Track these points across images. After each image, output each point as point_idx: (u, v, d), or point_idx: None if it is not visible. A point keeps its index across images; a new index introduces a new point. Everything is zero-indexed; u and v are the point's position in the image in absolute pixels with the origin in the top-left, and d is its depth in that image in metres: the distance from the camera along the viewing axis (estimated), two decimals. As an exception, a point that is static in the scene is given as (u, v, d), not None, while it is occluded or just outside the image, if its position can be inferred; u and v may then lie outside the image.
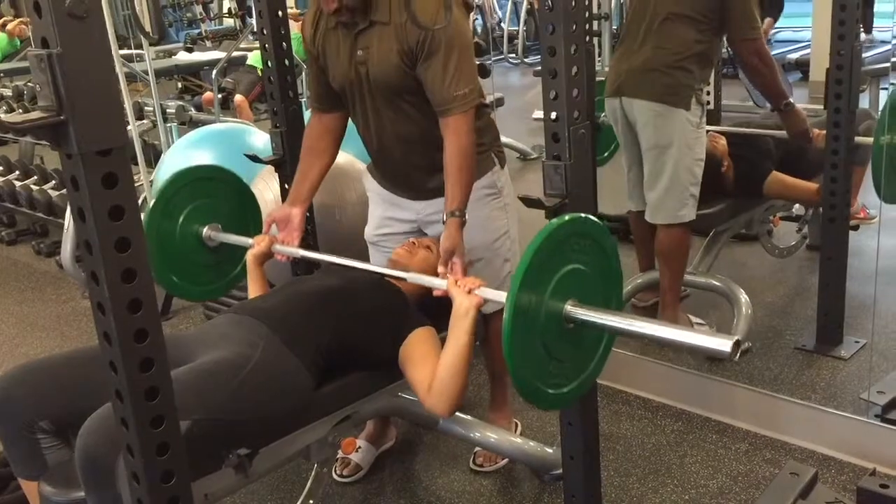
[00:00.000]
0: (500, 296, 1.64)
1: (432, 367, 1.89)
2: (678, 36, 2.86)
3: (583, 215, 1.63)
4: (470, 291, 1.79)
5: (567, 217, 1.59)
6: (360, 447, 2.55)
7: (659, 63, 2.88)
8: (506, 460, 2.54)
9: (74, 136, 1.17)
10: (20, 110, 5.12)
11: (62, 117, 1.16)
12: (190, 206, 2.32)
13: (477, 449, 2.55)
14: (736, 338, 1.39)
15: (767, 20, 8.47)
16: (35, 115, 1.16)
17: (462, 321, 1.80)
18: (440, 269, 2.01)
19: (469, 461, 2.56)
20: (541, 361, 1.54)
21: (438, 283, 1.90)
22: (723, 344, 1.40)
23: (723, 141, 3.23)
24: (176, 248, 2.31)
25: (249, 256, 2.30)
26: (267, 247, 2.28)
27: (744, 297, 3.15)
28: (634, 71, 2.95)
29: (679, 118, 2.88)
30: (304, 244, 2.55)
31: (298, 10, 7.68)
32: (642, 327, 1.59)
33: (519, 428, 2.68)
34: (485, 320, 2.50)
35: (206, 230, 2.34)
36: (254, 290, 2.31)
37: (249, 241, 2.31)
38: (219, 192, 2.40)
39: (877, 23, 5.49)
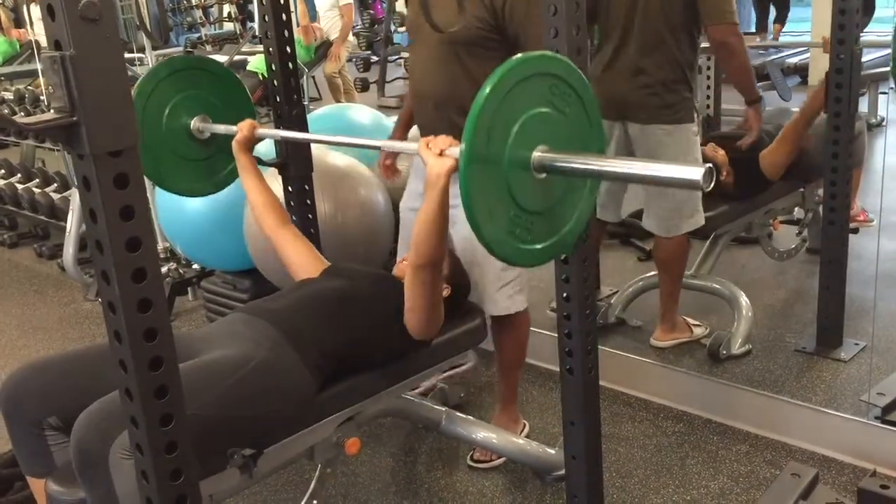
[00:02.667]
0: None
1: None
2: (671, 51, 2.83)
3: (553, 54, 1.53)
4: (441, 153, 1.63)
5: (530, 55, 1.47)
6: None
7: (661, 84, 2.84)
8: (503, 458, 2.55)
9: (87, 137, 1.18)
10: (22, 113, 5.13)
11: (75, 118, 1.17)
12: (176, 98, 2.25)
13: None
14: (708, 166, 1.30)
15: (776, 25, 8.54)
16: (48, 116, 1.17)
17: (433, 185, 1.66)
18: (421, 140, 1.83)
19: (502, 461, 2.57)
20: (507, 213, 1.44)
21: (409, 147, 1.81)
22: (694, 172, 1.30)
23: (722, 151, 3.24)
24: (163, 140, 2.24)
25: (234, 144, 2.26)
26: (250, 131, 2.23)
27: (744, 299, 3.17)
28: (637, 94, 2.88)
29: (687, 133, 2.89)
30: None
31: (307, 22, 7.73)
32: (619, 166, 1.51)
33: (527, 428, 2.69)
34: (495, 321, 2.53)
35: (194, 122, 2.29)
36: (246, 178, 2.28)
37: (236, 128, 2.25)
38: (206, 83, 2.33)
39: (876, 28, 5.52)
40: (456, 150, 1.60)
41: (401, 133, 2.80)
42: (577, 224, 1.59)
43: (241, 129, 2.24)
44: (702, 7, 2.78)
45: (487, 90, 1.37)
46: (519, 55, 1.44)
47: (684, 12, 2.79)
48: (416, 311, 1.98)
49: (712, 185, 1.31)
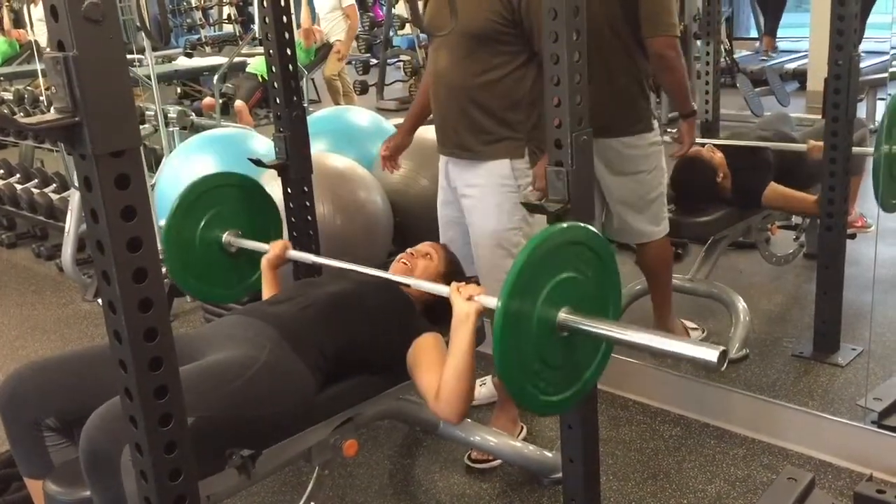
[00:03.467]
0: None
1: (438, 373, 1.89)
2: (624, 62, 2.79)
3: (580, 224, 1.64)
4: (470, 298, 1.80)
5: (563, 225, 1.60)
6: (485, 383, 2.84)
7: (622, 96, 2.80)
8: (500, 461, 2.55)
9: (89, 138, 1.19)
10: (21, 114, 5.14)
11: (77, 119, 1.18)
12: (211, 212, 2.38)
13: None
14: (722, 348, 1.42)
15: (766, 38, 8.59)
16: (51, 116, 1.18)
17: (462, 327, 1.80)
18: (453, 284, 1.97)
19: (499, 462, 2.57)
20: (533, 367, 1.55)
21: (440, 290, 1.92)
22: (709, 354, 1.42)
23: (719, 153, 3.25)
24: (196, 252, 2.37)
25: (264, 261, 2.36)
26: (281, 251, 2.34)
27: (742, 304, 3.18)
28: (600, 109, 2.83)
29: (645, 142, 2.86)
30: (308, 250, 2.59)
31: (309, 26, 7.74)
32: (635, 337, 1.58)
33: (524, 431, 2.70)
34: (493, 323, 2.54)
35: (225, 236, 2.40)
36: (267, 294, 2.35)
37: (266, 246, 2.36)
38: (239, 198, 2.46)
39: (874, 34, 5.53)
40: (484, 298, 1.79)
41: (404, 135, 2.81)
42: (591, 379, 1.69)
43: (274, 248, 2.35)
44: (643, 19, 2.71)
45: (524, 258, 1.50)
46: (552, 227, 1.57)
47: (630, 23, 2.74)
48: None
49: (725, 366, 1.42)
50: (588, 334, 1.57)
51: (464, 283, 1.89)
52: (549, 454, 2.45)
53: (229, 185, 2.45)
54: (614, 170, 2.87)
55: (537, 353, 1.55)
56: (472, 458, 2.58)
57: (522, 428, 2.71)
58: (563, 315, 1.55)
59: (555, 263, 1.55)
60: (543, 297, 1.53)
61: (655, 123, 2.92)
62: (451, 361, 1.84)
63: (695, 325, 3.26)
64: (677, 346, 1.52)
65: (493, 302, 1.77)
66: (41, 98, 5.26)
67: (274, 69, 2.51)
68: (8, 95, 5.58)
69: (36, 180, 5.00)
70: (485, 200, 2.43)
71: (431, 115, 2.65)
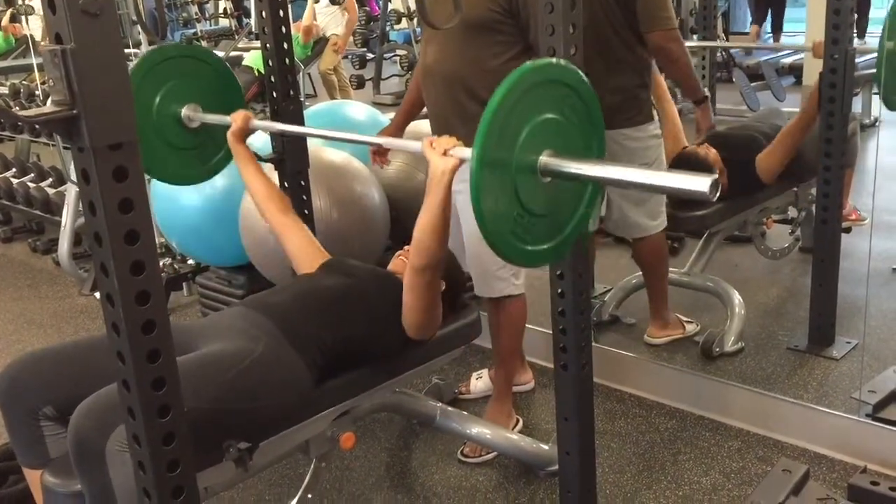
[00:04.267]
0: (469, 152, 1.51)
1: None
2: (623, 56, 2.80)
3: (558, 61, 1.57)
4: (445, 153, 1.68)
5: (541, 62, 1.51)
6: (481, 376, 2.82)
7: (617, 89, 2.80)
8: (493, 453, 2.57)
9: (87, 130, 1.19)
10: (17, 108, 5.13)
11: (75, 111, 1.18)
12: (167, 85, 2.25)
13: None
14: (714, 176, 1.33)
15: (753, 27, 8.62)
16: (48, 109, 1.18)
17: (437, 186, 1.72)
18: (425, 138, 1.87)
19: (492, 456, 2.59)
20: (513, 215, 1.48)
21: (413, 146, 1.84)
22: (700, 183, 1.34)
23: (714, 151, 3.25)
24: (154, 128, 2.25)
25: (229, 135, 2.27)
26: (244, 122, 2.25)
27: (737, 297, 3.19)
28: (606, 101, 2.82)
29: (645, 133, 2.87)
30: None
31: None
32: (622, 174, 1.53)
33: (520, 424, 2.71)
34: (493, 305, 2.55)
35: (184, 110, 2.29)
36: (243, 168, 2.30)
37: (228, 119, 2.26)
38: (197, 71, 2.33)
39: (875, 29, 5.54)
40: (459, 150, 1.66)
41: (395, 129, 2.82)
42: (575, 230, 1.62)
43: (235, 119, 2.25)
44: (639, 15, 2.73)
45: (500, 94, 1.40)
46: (530, 63, 1.47)
47: (628, 17, 2.75)
48: (415, 311, 1.99)
49: (718, 194, 1.33)
50: (572, 176, 1.49)
51: (434, 137, 1.78)
52: (545, 447, 2.46)
53: (185, 57, 2.31)
54: (615, 162, 2.87)
55: (518, 200, 1.47)
56: (464, 454, 2.59)
57: (518, 420, 2.72)
58: (544, 158, 1.48)
59: (533, 104, 1.45)
60: (522, 140, 1.44)
61: (655, 115, 2.93)
62: (424, 217, 1.79)
63: (689, 320, 3.27)
64: (666, 179, 1.45)
65: (468, 153, 1.64)
66: (37, 92, 5.24)
67: (270, 63, 2.51)
68: (4, 90, 5.57)
69: (32, 174, 4.99)
70: None
71: (425, 109, 2.65)
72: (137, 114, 2.12)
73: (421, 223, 1.81)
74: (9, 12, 8.85)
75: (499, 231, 1.47)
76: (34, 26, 6.87)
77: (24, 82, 5.82)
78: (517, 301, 2.58)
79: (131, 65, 2.44)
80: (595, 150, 1.60)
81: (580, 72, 1.55)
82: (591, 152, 1.58)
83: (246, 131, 2.27)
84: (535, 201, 1.50)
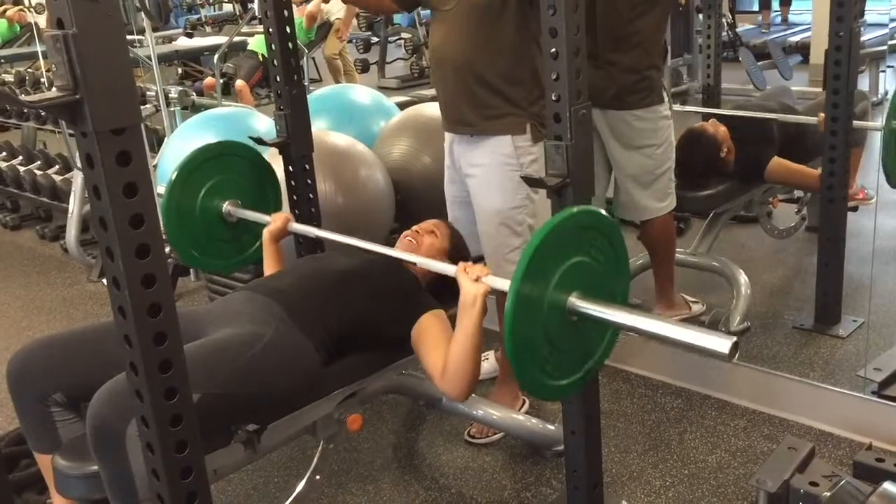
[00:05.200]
0: (506, 284, 1.64)
1: (444, 350, 1.90)
2: (637, 35, 2.79)
3: (592, 208, 1.65)
4: (477, 279, 1.79)
5: (576, 209, 1.60)
6: (487, 358, 2.80)
7: (635, 68, 2.80)
8: (500, 434, 2.58)
9: (90, 115, 1.20)
10: (23, 96, 5.13)
11: (78, 96, 1.19)
12: (211, 181, 2.37)
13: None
14: (734, 339, 1.41)
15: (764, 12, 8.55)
16: (51, 94, 1.19)
17: (470, 310, 1.80)
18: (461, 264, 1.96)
19: (498, 437, 2.61)
20: (542, 352, 1.56)
21: (447, 269, 1.92)
22: (721, 344, 1.42)
23: (723, 127, 3.25)
24: (196, 222, 2.37)
25: (266, 233, 2.36)
26: (283, 224, 2.34)
27: (743, 277, 3.19)
28: (606, 82, 2.80)
29: (656, 115, 2.87)
30: (311, 226, 2.59)
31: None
32: (645, 324, 1.59)
33: (526, 405, 2.72)
34: (499, 298, 2.56)
35: (226, 205, 2.40)
36: (269, 266, 2.36)
37: (267, 217, 2.36)
38: (240, 168, 2.45)
39: (875, 6, 5.50)
40: (491, 279, 1.78)
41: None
42: (597, 363, 1.69)
43: (276, 220, 2.35)
44: None
45: (538, 241, 1.49)
46: (569, 209, 1.57)
47: None
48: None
49: (737, 357, 1.42)
50: (597, 320, 1.57)
51: (471, 262, 1.89)
52: (552, 427, 2.47)
53: (230, 155, 2.44)
54: (625, 143, 2.88)
55: (547, 338, 1.55)
56: (471, 434, 2.61)
57: (524, 401, 2.73)
58: (573, 300, 1.56)
59: (567, 248, 1.55)
60: (555, 282, 1.53)
61: (666, 96, 2.92)
62: (459, 342, 1.84)
63: (695, 300, 3.28)
64: (688, 336, 1.51)
65: (499, 283, 1.78)
66: (42, 80, 5.25)
67: (273, 47, 2.51)
68: (9, 77, 5.57)
69: (39, 162, 5.01)
70: (488, 180, 2.43)
71: (433, 92, 2.65)
72: (182, 210, 2.32)
73: (455, 349, 1.85)
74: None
75: (529, 366, 1.55)
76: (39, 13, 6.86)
77: (29, 70, 5.82)
78: None
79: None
80: (619, 295, 1.69)
81: (612, 219, 1.65)
82: (615, 296, 1.66)
83: (284, 233, 2.37)
84: (561, 338, 1.58)
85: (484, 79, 2.36)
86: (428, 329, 2.01)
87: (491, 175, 2.42)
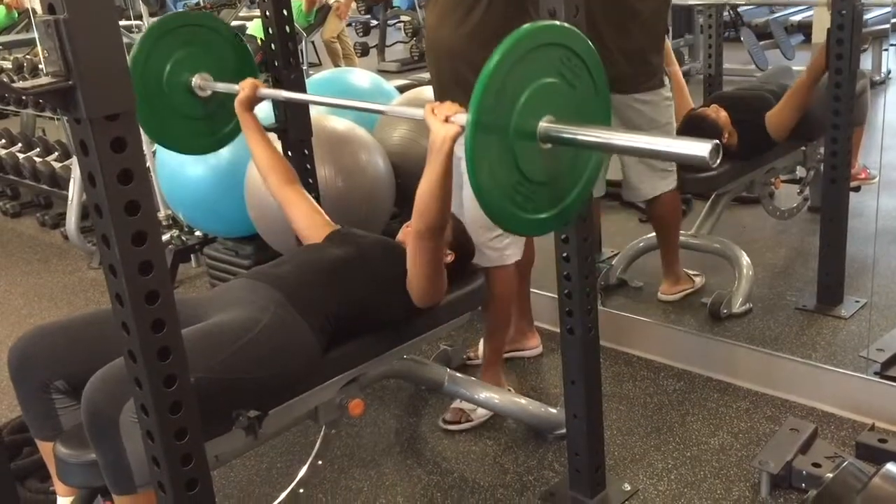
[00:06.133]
0: None
1: None
2: (641, 19, 2.78)
3: (559, 23, 1.54)
4: (447, 119, 1.64)
5: (538, 24, 1.48)
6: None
7: (636, 51, 2.81)
8: (474, 421, 2.58)
9: (83, 101, 1.19)
10: (21, 82, 5.10)
11: (70, 82, 1.18)
12: (177, 54, 2.25)
13: (453, 405, 2.61)
14: (715, 142, 1.30)
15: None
16: (44, 80, 1.18)
17: (437, 153, 1.69)
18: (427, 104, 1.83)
19: (472, 424, 2.60)
20: (511, 182, 1.45)
21: (416, 113, 1.81)
22: (700, 148, 1.31)
23: (724, 112, 3.22)
24: (164, 97, 2.25)
25: (236, 103, 2.27)
26: (252, 90, 2.25)
27: (745, 258, 3.18)
28: (618, 65, 2.77)
29: (659, 98, 2.89)
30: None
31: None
32: (620, 139, 1.51)
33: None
34: (486, 275, 2.54)
35: (195, 79, 2.28)
36: (250, 137, 2.30)
37: (238, 87, 2.26)
38: (208, 40, 2.32)
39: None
40: (461, 116, 1.61)
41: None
42: (578, 197, 1.59)
43: (244, 87, 2.24)
44: None
45: (497, 57, 1.36)
46: (529, 25, 1.44)
47: None
48: (419, 278, 2.00)
49: (719, 161, 1.31)
50: (573, 142, 1.45)
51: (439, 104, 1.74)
52: (553, 410, 2.47)
53: (196, 26, 2.30)
54: (629, 126, 2.87)
55: (516, 166, 1.44)
56: (445, 420, 2.60)
57: (509, 390, 2.71)
58: (544, 124, 1.44)
59: (533, 68, 1.42)
60: (521, 104, 1.41)
61: (666, 79, 2.93)
62: (425, 183, 1.78)
63: (696, 272, 3.30)
64: (668, 144, 1.43)
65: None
66: (41, 67, 5.22)
67: (271, 31, 2.49)
68: (7, 64, 5.54)
69: (38, 149, 4.99)
70: None
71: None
72: (147, 83, 2.18)
73: (421, 189, 1.80)
74: None
75: (496, 199, 1.44)
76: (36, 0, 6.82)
77: (27, 56, 5.80)
78: (504, 270, 2.54)
79: (138, 35, 2.44)
80: (600, 117, 1.56)
81: (583, 35, 1.51)
82: (595, 118, 1.55)
83: (254, 99, 2.27)
84: (535, 168, 1.47)
85: (469, 59, 2.31)
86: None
87: None
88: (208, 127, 2.39)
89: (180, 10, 9.61)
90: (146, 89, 2.21)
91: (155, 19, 2.27)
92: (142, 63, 2.19)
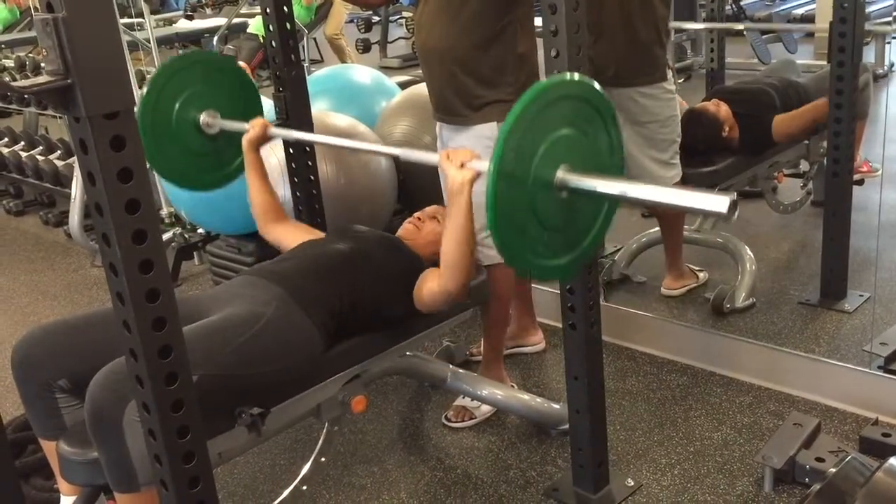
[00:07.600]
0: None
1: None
2: (642, 9, 2.77)
3: (574, 76, 1.57)
4: (462, 165, 1.71)
5: (558, 78, 1.52)
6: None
7: (639, 43, 2.79)
8: (476, 419, 2.58)
9: (82, 100, 1.19)
10: (22, 81, 5.11)
11: (69, 81, 1.18)
12: (187, 92, 2.27)
13: (455, 404, 2.61)
14: (733, 196, 1.33)
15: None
16: (43, 79, 1.18)
17: (457, 197, 1.75)
18: (442, 151, 1.93)
19: (475, 421, 2.60)
20: (529, 229, 1.50)
21: (431, 159, 1.86)
22: (720, 203, 1.34)
23: (724, 106, 3.22)
24: (172, 134, 2.27)
25: (245, 141, 2.29)
26: (262, 130, 2.26)
27: (748, 253, 3.17)
28: (622, 58, 2.80)
29: (661, 91, 2.87)
30: (311, 210, 2.58)
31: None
32: (638, 192, 1.53)
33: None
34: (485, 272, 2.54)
35: (203, 116, 2.30)
36: (252, 177, 2.32)
37: (247, 126, 2.27)
38: (217, 78, 2.35)
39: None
40: (476, 163, 1.70)
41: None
42: (591, 245, 1.64)
43: (253, 126, 2.27)
44: None
45: (515, 115, 1.42)
46: (546, 80, 1.49)
47: None
48: (432, 307, 2.04)
49: (736, 216, 1.33)
50: (589, 193, 1.50)
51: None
52: (556, 406, 2.47)
53: (205, 64, 2.33)
54: (632, 120, 2.86)
55: (534, 214, 1.49)
56: (447, 418, 2.60)
57: (512, 387, 2.71)
58: (561, 174, 1.48)
59: (550, 120, 1.47)
60: (540, 156, 1.46)
61: (670, 73, 2.92)
62: (450, 234, 1.82)
63: (699, 268, 3.30)
64: (685, 198, 1.45)
65: (485, 166, 1.65)
66: (43, 65, 5.23)
67: (271, 28, 2.49)
68: (9, 62, 5.55)
69: (41, 147, 5.00)
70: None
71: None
72: (157, 122, 2.22)
73: (448, 241, 1.84)
74: None
75: (515, 244, 1.50)
76: (37, -3, 6.83)
77: (29, 55, 5.80)
78: (502, 268, 2.54)
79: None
80: (614, 167, 1.61)
81: (598, 87, 1.55)
82: (609, 169, 1.60)
83: (263, 139, 2.30)
84: (551, 216, 1.52)
85: (470, 68, 2.30)
86: (426, 272, 2.06)
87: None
88: (215, 163, 2.43)
89: (183, 7, 9.62)
90: (155, 128, 2.24)
91: (164, 62, 2.30)
92: (152, 104, 2.23)
